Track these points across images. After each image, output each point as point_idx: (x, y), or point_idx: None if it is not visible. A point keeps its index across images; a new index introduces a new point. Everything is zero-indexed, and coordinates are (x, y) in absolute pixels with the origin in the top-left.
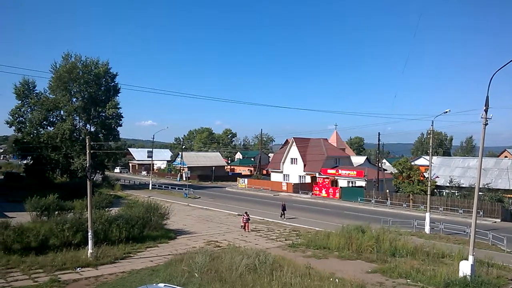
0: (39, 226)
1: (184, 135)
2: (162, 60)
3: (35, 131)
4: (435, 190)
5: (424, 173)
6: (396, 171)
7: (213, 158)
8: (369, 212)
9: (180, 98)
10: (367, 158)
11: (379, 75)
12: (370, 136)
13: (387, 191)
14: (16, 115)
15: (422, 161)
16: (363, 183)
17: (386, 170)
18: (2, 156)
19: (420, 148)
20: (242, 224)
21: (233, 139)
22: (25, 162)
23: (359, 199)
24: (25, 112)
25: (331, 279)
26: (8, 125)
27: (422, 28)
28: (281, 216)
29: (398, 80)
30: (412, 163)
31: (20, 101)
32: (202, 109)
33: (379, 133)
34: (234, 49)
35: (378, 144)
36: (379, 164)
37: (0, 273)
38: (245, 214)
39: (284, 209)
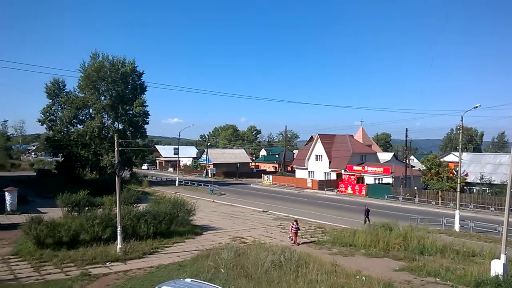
0: (70, 222)
1: (209, 132)
2: (187, 58)
3: (65, 129)
4: (465, 187)
5: (453, 170)
6: (425, 167)
7: (238, 155)
8: (396, 209)
9: (206, 95)
10: (394, 154)
11: (407, 70)
12: (397, 132)
13: (415, 188)
14: (47, 114)
15: (451, 157)
16: (390, 180)
17: (414, 166)
18: (34, 153)
19: (449, 144)
20: (291, 234)
21: (258, 136)
22: (56, 159)
23: (386, 196)
24: (55, 110)
25: (358, 277)
26: (40, 124)
27: (453, 20)
28: (365, 222)
29: (426, 74)
30: (441, 160)
31: (51, 100)
32: (227, 106)
33: (406, 129)
34: (259, 48)
35: (406, 140)
36: (407, 160)
37: (34, 267)
38: (294, 223)
39: (367, 214)
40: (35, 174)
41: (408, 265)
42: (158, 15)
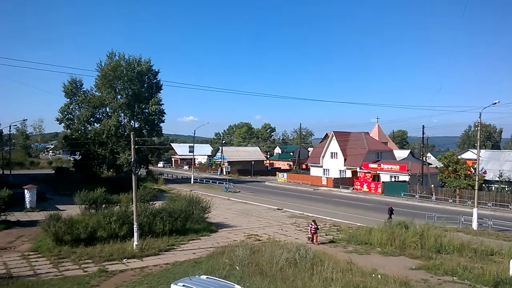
0: (88, 219)
1: (224, 130)
2: (202, 57)
3: (82, 128)
4: (483, 185)
5: (471, 167)
6: (442, 165)
7: (252, 153)
8: (412, 207)
9: (221, 93)
10: (410, 151)
11: (424, 66)
12: (414, 129)
13: (432, 186)
14: (65, 113)
15: (469, 154)
16: (406, 178)
17: (431, 164)
18: (53, 151)
19: (467, 141)
20: (310, 235)
21: (272, 133)
22: (74, 157)
23: (402, 194)
24: (73, 109)
25: (374, 275)
26: (58, 122)
27: (469, 16)
28: (388, 221)
29: (443, 71)
30: (459, 157)
31: (68, 99)
32: (242, 104)
33: (423, 126)
34: (274, 46)
35: (423, 137)
36: (424, 158)
37: (53, 263)
38: (312, 223)
39: (391, 213)
40: (53, 172)
41: (424, 264)
42: (174, 11)
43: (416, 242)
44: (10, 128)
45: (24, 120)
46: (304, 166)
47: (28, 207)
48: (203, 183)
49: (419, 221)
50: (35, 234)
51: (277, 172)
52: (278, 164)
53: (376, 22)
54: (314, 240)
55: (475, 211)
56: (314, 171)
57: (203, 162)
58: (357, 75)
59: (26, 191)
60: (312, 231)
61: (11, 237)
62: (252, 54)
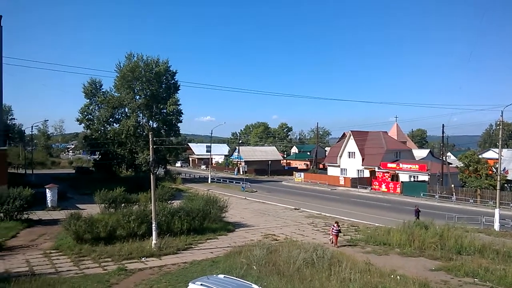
0: (107, 218)
1: (241, 130)
2: (219, 56)
3: (102, 128)
4: (506, 185)
5: (493, 167)
6: (462, 164)
7: (269, 152)
8: (432, 207)
9: (237, 93)
10: (430, 151)
11: (443, 64)
12: (434, 128)
13: (452, 185)
14: (85, 113)
15: (490, 154)
16: (426, 178)
17: (451, 163)
18: (73, 151)
19: (488, 141)
20: (332, 237)
21: (289, 133)
22: (94, 157)
23: (421, 194)
24: (93, 110)
25: (392, 276)
26: (78, 123)
27: (491, 13)
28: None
29: (464, 69)
30: (480, 156)
31: (88, 100)
32: (258, 104)
33: (443, 124)
34: (289, 44)
35: (442, 136)
36: (444, 157)
37: (74, 261)
38: (335, 225)
39: (418, 214)
40: (74, 171)
41: (445, 265)
42: (189, 10)
43: (436, 243)
44: (32, 129)
45: (45, 120)
46: (321, 166)
47: (49, 206)
48: (220, 182)
49: (439, 221)
50: (57, 232)
51: (294, 172)
52: (295, 163)
53: (398, 19)
54: (336, 243)
55: (497, 211)
56: (332, 171)
57: (220, 162)
58: (375, 73)
59: (47, 190)
60: (334, 233)
61: (33, 235)
62: (269, 54)
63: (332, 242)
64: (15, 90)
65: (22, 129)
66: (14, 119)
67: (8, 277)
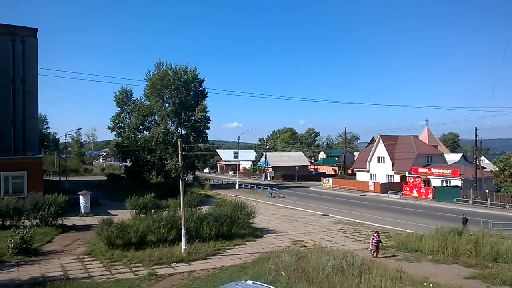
0: (138, 223)
1: (268, 136)
2: (246, 62)
3: (133, 135)
4: None
5: None
6: (497, 169)
7: (296, 158)
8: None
9: (264, 99)
10: (463, 155)
11: (476, 64)
12: (466, 131)
13: (487, 190)
14: (116, 121)
15: None
16: (459, 183)
17: (485, 168)
18: (104, 159)
19: None
20: (372, 247)
21: (316, 138)
22: (125, 164)
23: (454, 200)
24: (124, 118)
25: (425, 284)
26: (110, 131)
27: None
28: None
29: (497, 70)
30: None
31: (119, 108)
32: (285, 109)
33: (476, 128)
34: (317, 47)
35: (476, 139)
36: (477, 161)
37: (106, 266)
38: (375, 235)
39: (465, 222)
40: (105, 178)
41: (480, 273)
42: (216, 15)
43: (470, 250)
44: (66, 137)
45: (78, 129)
46: (349, 171)
47: (82, 212)
48: (247, 188)
49: (473, 227)
50: (89, 238)
51: (321, 177)
52: (322, 169)
53: (432, 22)
54: (376, 254)
55: None
56: (360, 176)
57: (247, 168)
58: (407, 76)
59: (80, 196)
60: (374, 244)
61: (67, 240)
62: (294, 57)
63: (371, 252)
64: (50, 99)
65: (57, 137)
66: (49, 127)
67: (44, 281)
